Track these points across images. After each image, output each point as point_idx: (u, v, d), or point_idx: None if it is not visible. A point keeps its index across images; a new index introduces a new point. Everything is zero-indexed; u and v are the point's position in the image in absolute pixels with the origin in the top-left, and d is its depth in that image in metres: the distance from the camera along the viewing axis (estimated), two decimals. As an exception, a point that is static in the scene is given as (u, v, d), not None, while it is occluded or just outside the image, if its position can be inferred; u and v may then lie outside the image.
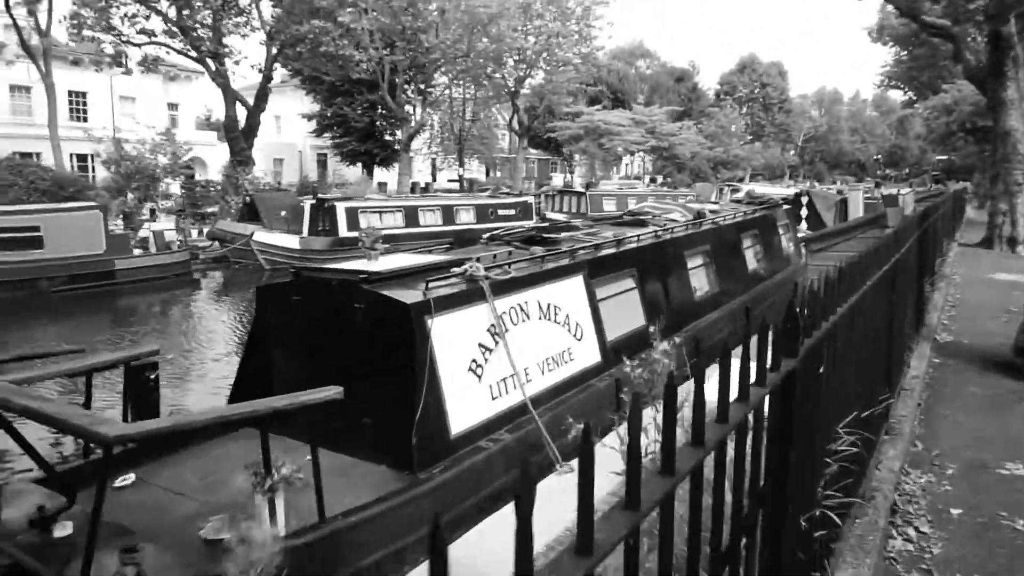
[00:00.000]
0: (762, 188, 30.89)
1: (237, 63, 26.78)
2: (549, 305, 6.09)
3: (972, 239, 20.12)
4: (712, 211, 11.16)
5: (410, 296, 4.95)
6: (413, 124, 35.91)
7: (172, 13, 26.06)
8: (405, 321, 4.83)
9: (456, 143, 55.33)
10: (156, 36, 25.71)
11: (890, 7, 41.12)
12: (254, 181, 26.55)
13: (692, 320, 8.52)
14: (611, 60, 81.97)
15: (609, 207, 31.91)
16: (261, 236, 19.35)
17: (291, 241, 19.19)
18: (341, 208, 20.37)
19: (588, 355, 6.41)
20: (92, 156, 33.39)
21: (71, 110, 42.38)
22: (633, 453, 1.17)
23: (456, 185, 57.58)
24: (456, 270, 5.47)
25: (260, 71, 27.71)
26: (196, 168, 50.62)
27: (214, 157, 52.66)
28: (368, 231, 5.86)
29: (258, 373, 5.79)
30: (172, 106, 52.23)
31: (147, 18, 25.64)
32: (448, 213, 23.95)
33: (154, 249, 19.35)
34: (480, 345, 5.28)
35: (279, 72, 54.41)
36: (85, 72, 37.79)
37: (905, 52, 43.14)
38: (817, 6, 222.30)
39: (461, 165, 57.03)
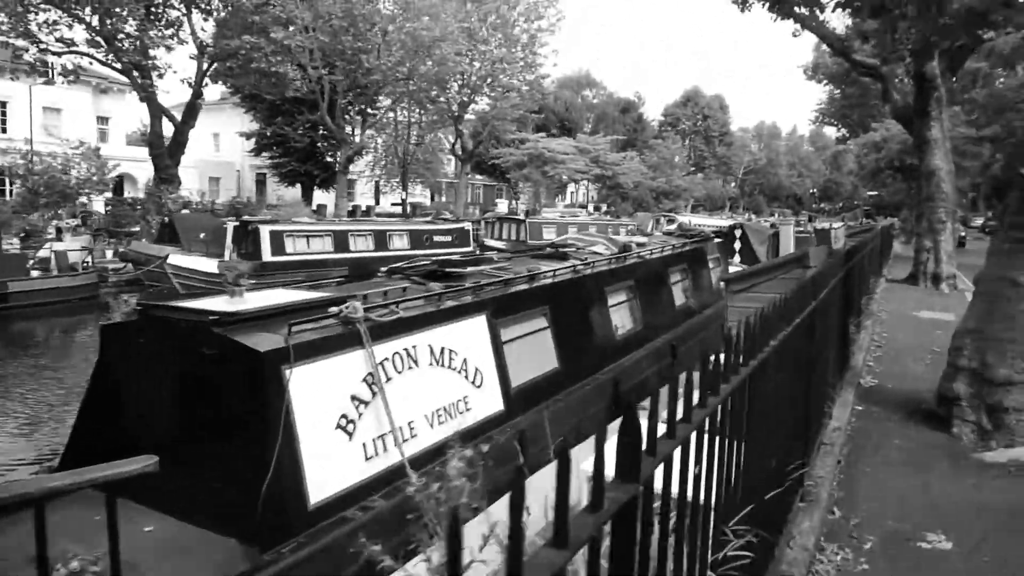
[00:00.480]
0: (698, 219, 31.11)
1: (161, 76, 25.54)
2: (444, 349, 5.48)
3: (899, 275, 20.45)
4: (640, 244, 10.78)
5: (266, 341, 4.27)
6: (352, 146, 35.07)
7: (96, 21, 24.75)
8: (257, 370, 4.14)
9: (400, 167, 54.66)
10: (76, 45, 24.29)
11: (825, 47, 42.49)
12: (178, 200, 25.21)
13: (612, 360, 8.03)
14: (559, 89, 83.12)
15: (549, 235, 31.66)
16: (176, 259, 18.17)
17: (208, 265, 18.08)
18: (265, 231, 19.40)
19: (488, 404, 5.80)
20: (6, 170, 31.46)
21: (-10, 120, 40.25)
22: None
23: (399, 209, 56.95)
24: (332, 310, 4.81)
25: (190, 85, 26.50)
26: (127, 185, 48.58)
27: (146, 174, 50.65)
28: (229, 264, 5.14)
29: (99, 425, 4.99)
30: (102, 119, 50.16)
31: (69, 27, 24.25)
32: (381, 239, 23.21)
33: (55, 271, 17.98)
34: (353, 398, 4.62)
35: (218, 89, 53.02)
36: (2, 80, 35.89)
37: (838, 91, 44.70)
38: (759, 39, 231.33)
39: (404, 189, 56.37)
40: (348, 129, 42.28)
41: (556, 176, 51.06)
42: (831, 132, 72.19)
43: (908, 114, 20.20)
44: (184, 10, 26.17)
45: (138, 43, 24.55)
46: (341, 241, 21.63)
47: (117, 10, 23.07)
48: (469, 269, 6.70)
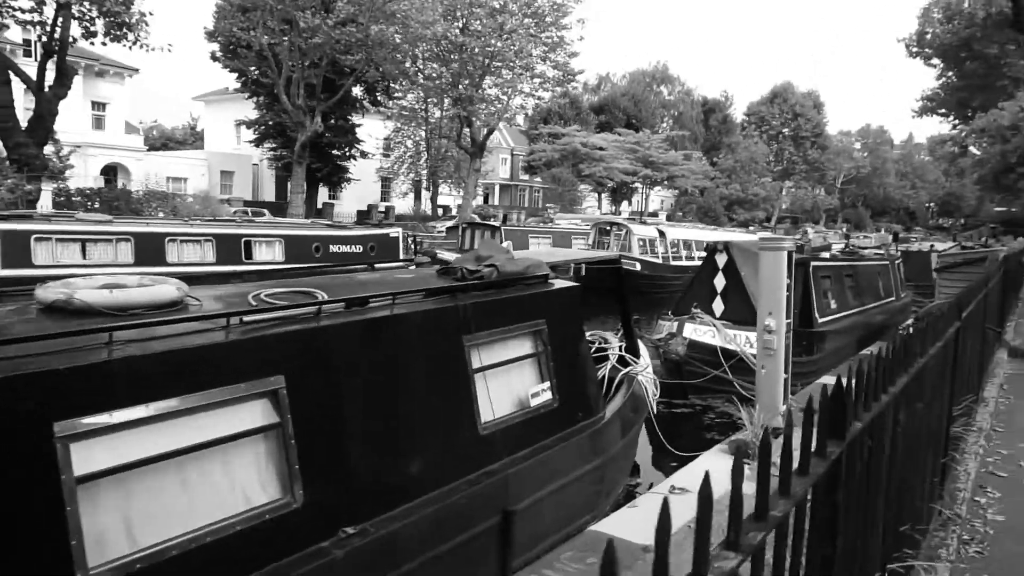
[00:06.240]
0: (678, 232, 22.38)
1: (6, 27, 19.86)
2: None
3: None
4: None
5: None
6: (306, 131, 28.72)
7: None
8: None
9: (425, 164, 48.31)
10: None
11: (935, 12, 32.59)
12: (15, 189, 19.22)
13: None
14: (629, 84, 74.86)
15: (540, 248, 24.04)
16: None
17: None
18: (-7, 232, 12.75)
19: None
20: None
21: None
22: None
23: (440, 211, 51.95)
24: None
25: (42, 43, 20.54)
26: (121, 177, 44.23)
27: (143, 165, 46.18)
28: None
29: None
30: (98, 105, 46.03)
31: None
32: (230, 247, 16.13)
33: None
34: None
35: (231, 77, 48.04)
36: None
37: (952, 71, 34.24)
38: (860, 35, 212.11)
39: (434, 188, 50.17)
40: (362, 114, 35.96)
41: (592, 176, 42.88)
42: (946, 130, 59.75)
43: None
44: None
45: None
46: (150, 249, 14.79)
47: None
48: None
